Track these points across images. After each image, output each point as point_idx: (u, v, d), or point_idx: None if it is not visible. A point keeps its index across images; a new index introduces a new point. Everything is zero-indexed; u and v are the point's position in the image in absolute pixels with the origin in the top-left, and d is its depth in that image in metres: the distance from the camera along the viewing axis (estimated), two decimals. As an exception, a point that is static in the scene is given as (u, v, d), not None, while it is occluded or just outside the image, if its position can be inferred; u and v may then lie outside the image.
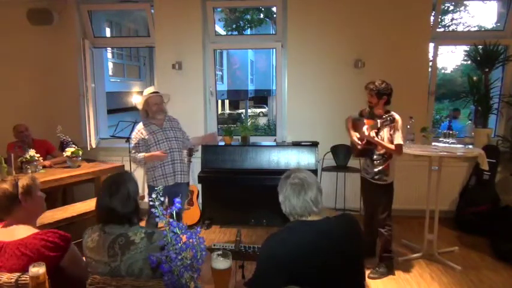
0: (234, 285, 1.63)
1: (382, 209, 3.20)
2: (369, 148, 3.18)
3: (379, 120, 3.04)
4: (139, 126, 3.14)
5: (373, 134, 3.05)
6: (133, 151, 3.12)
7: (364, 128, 3.07)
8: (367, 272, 3.17)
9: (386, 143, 3.04)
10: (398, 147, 3.02)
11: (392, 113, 3.10)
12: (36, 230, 1.66)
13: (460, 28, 11.95)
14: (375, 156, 3.16)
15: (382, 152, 3.11)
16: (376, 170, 3.15)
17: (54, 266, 1.56)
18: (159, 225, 1.39)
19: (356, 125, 3.25)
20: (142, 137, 3.10)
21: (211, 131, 3.31)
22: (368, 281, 3.03)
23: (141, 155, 3.07)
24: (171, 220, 1.27)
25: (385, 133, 3.07)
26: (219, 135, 4.89)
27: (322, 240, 1.50)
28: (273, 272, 1.46)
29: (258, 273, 1.52)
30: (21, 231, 1.64)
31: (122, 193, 1.65)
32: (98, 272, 1.57)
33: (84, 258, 1.69)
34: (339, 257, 1.50)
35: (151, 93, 3.12)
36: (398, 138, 3.03)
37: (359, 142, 3.19)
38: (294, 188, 1.58)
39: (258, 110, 21.11)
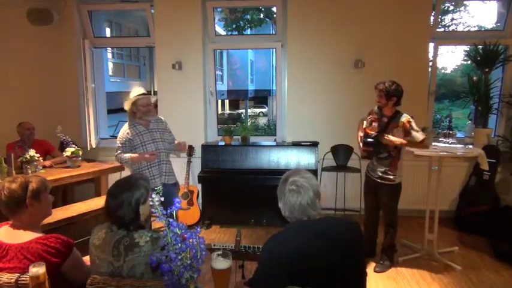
0: (234, 285, 1.63)
1: (390, 209, 3.23)
2: (369, 150, 3.19)
3: (367, 120, 3.15)
4: (126, 126, 3.12)
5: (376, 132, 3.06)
6: (118, 151, 3.09)
7: (364, 123, 3.08)
8: (372, 267, 3.23)
9: (401, 140, 3.03)
10: (420, 144, 3.02)
11: (404, 114, 3.09)
12: (38, 234, 1.65)
13: (460, 28, 11.94)
14: (380, 155, 3.17)
15: (390, 149, 3.11)
16: (381, 169, 3.16)
17: (55, 270, 1.56)
18: (159, 225, 1.39)
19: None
20: (129, 137, 3.06)
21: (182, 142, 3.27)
22: (368, 281, 3.03)
23: (127, 155, 3.04)
24: (171, 220, 1.27)
25: (395, 136, 3.07)
26: (219, 135, 4.90)
27: (323, 240, 1.50)
28: (274, 272, 1.46)
29: (259, 274, 1.52)
30: (24, 235, 1.64)
31: (124, 197, 1.62)
32: (100, 272, 1.57)
33: (87, 258, 1.69)
34: (339, 256, 1.50)
35: (139, 94, 3.07)
36: (417, 137, 3.01)
37: (360, 144, 3.23)
38: (291, 193, 1.58)
39: (258, 110, 21.09)
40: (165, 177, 3.13)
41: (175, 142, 3.23)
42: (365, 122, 3.16)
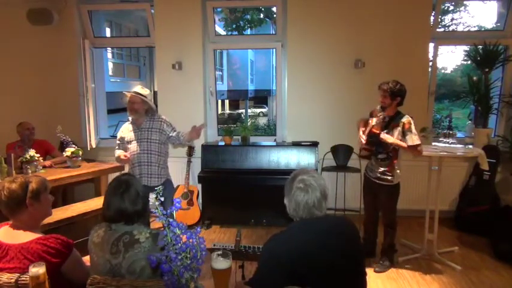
0: (234, 285, 1.63)
1: (389, 210, 3.23)
2: (371, 149, 3.16)
3: (378, 117, 3.05)
4: (125, 123, 3.21)
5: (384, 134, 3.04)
6: (116, 147, 3.18)
7: (373, 120, 3.02)
8: (372, 267, 3.23)
9: (396, 140, 3.01)
10: (413, 148, 2.98)
11: (406, 115, 3.07)
12: (38, 235, 1.65)
13: (460, 28, 11.94)
14: (379, 156, 3.16)
15: (389, 149, 3.09)
16: (380, 170, 3.15)
17: (55, 271, 1.57)
18: (158, 225, 1.40)
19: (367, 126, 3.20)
20: (121, 134, 3.15)
21: (200, 125, 3.15)
22: (368, 281, 3.03)
23: (117, 153, 3.11)
24: (171, 220, 1.27)
25: (394, 136, 3.05)
26: (219, 135, 4.90)
27: (323, 240, 1.50)
28: (274, 272, 1.47)
29: (260, 273, 1.52)
30: (24, 235, 1.64)
31: (131, 192, 1.67)
32: (98, 270, 1.57)
33: (87, 258, 1.69)
34: (340, 256, 1.50)
35: (132, 91, 3.07)
36: (412, 139, 2.98)
37: (363, 140, 3.15)
38: (298, 191, 1.58)
39: (258, 110, 21.07)
40: (146, 179, 3.07)
41: (191, 128, 3.10)
42: (375, 119, 3.06)
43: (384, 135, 3.03)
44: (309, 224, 1.56)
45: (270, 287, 1.46)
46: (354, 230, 1.64)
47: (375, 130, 3.08)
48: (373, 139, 3.09)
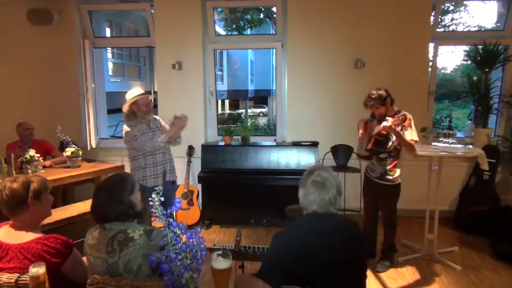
0: (235, 278, 1.63)
1: (390, 209, 3.22)
2: (376, 149, 3.12)
3: (391, 118, 2.93)
4: (127, 127, 3.04)
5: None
6: (140, 138, 2.97)
7: (390, 120, 2.91)
8: (372, 267, 3.22)
9: (405, 138, 2.95)
10: (409, 144, 2.97)
11: (404, 112, 3.04)
12: (39, 235, 1.65)
13: (460, 28, 11.96)
14: (380, 156, 3.15)
15: (390, 149, 3.06)
16: (381, 169, 3.15)
17: (55, 271, 1.57)
18: (159, 225, 1.40)
19: (369, 127, 3.16)
20: (136, 134, 3.00)
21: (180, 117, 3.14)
22: (368, 281, 3.03)
23: (162, 137, 3.01)
24: (171, 220, 1.27)
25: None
26: (219, 135, 4.90)
27: (324, 240, 1.51)
28: (275, 272, 1.47)
29: (262, 272, 1.53)
30: (24, 235, 1.64)
31: (137, 185, 1.73)
32: (96, 270, 1.57)
33: (85, 258, 1.69)
34: (340, 256, 1.50)
35: (140, 94, 3.06)
36: (411, 135, 2.98)
37: (361, 136, 3.10)
38: (315, 185, 1.60)
39: (258, 110, 21.08)
40: (169, 175, 3.19)
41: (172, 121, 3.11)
42: (390, 119, 2.91)
43: (390, 122, 2.89)
44: (312, 223, 1.57)
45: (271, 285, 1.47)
46: (358, 229, 1.65)
47: (383, 131, 2.97)
48: (382, 139, 3.03)
